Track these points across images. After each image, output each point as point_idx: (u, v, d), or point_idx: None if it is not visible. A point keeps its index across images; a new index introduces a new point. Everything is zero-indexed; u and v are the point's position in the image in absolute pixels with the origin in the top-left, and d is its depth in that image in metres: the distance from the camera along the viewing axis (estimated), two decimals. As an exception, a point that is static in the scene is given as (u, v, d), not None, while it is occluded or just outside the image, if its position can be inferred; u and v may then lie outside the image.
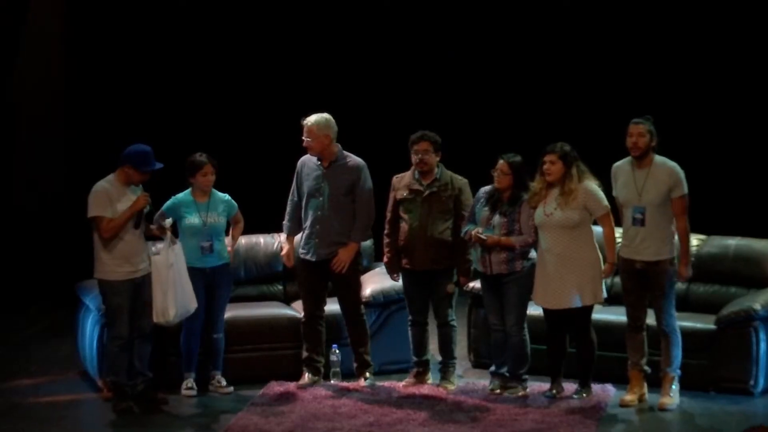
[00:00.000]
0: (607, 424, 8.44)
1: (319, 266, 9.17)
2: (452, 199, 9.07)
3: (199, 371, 9.20)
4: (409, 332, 9.28)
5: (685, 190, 8.64)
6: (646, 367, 8.82)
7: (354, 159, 9.21)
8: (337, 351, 9.39)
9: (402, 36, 13.62)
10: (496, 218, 8.87)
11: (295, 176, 9.32)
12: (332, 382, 9.33)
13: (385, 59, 13.60)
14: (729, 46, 12.88)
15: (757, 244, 9.64)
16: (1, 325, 11.66)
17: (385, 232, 9.24)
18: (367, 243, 9.82)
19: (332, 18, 13.66)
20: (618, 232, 8.89)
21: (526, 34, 13.49)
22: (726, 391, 9.00)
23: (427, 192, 9.06)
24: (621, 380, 8.95)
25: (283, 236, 9.52)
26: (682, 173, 8.66)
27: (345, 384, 9.27)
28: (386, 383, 9.31)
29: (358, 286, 9.32)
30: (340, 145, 9.20)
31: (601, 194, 8.76)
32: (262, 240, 10.20)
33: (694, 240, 9.64)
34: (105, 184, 8.64)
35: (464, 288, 9.43)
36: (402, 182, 9.19)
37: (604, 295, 8.84)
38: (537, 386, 9.06)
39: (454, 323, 9.22)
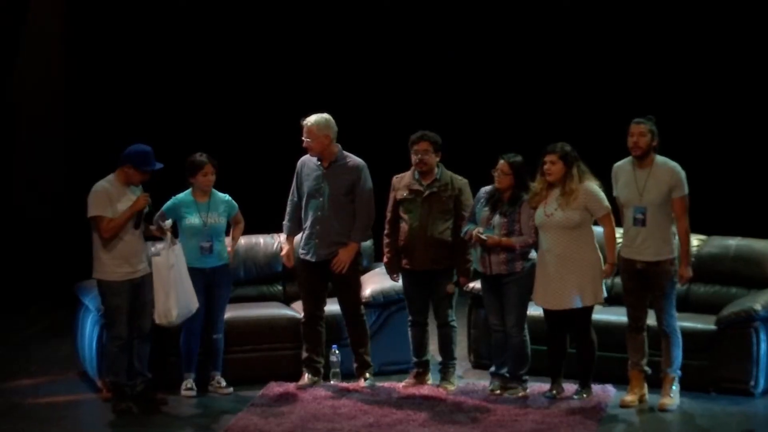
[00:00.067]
0: (608, 425, 8.43)
1: (319, 266, 9.16)
2: (452, 200, 9.06)
3: (198, 372, 9.20)
4: (409, 333, 9.27)
5: (686, 190, 8.64)
6: (647, 368, 8.81)
7: (354, 159, 9.20)
8: (337, 351, 9.38)
9: (402, 36, 13.62)
10: (496, 218, 8.86)
11: (294, 176, 9.32)
12: (332, 382, 9.32)
13: (385, 59, 13.60)
14: (729, 46, 12.88)
15: (758, 244, 9.63)
16: (1, 325, 11.66)
17: (385, 232, 9.23)
18: (367, 243, 9.82)
19: (332, 18, 13.66)
20: (618, 232, 8.88)
21: (526, 34, 13.49)
22: (726, 392, 8.99)
23: (427, 192, 9.05)
24: (621, 381, 8.94)
25: (282, 236, 9.51)
26: (683, 173, 8.65)
27: (345, 384, 9.27)
28: (386, 384, 9.30)
29: (358, 287, 9.32)
30: (340, 146, 9.19)
31: (602, 195, 8.75)
32: (261, 240, 10.19)
33: (695, 240, 9.64)
34: (105, 184, 8.64)
35: (464, 288, 9.42)
36: (402, 182, 9.18)
37: (605, 295, 8.83)
38: (537, 387, 9.05)
39: (454, 324, 9.22)
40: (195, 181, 9.19)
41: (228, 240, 9.37)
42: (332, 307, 9.36)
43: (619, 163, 8.84)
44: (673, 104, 12.48)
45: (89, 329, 9.36)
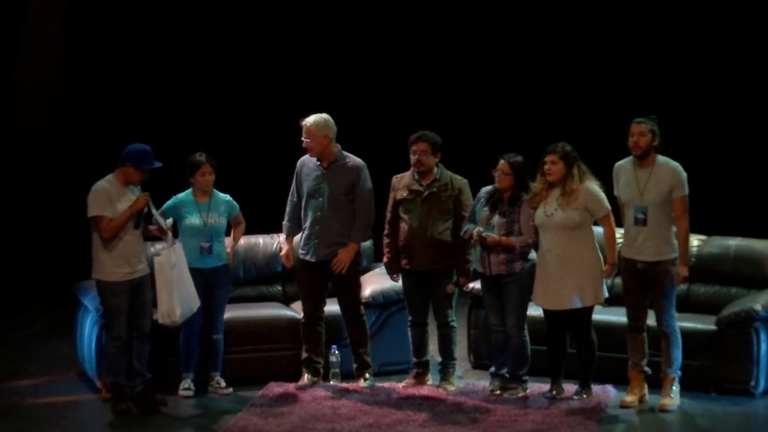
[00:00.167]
0: (608, 425, 8.42)
1: (319, 267, 9.15)
2: (452, 200, 9.05)
3: (198, 372, 9.19)
4: (409, 333, 9.26)
5: (686, 190, 8.63)
6: (647, 368, 8.80)
7: (353, 159, 9.19)
8: (337, 352, 9.38)
9: (402, 36, 13.62)
10: (496, 218, 8.85)
11: (294, 177, 9.31)
12: (332, 383, 9.31)
13: (385, 59, 13.60)
14: (730, 46, 12.88)
15: (758, 244, 9.62)
16: (1, 325, 11.66)
17: (385, 232, 9.22)
18: (367, 243, 9.81)
19: (332, 18, 13.66)
20: (619, 232, 8.88)
21: (527, 34, 13.48)
22: (727, 392, 8.99)
23: (426, 192, 9.04)
24: (621, 381, 8.94)
25: (282, 237, 9.51)
26: (684, 174, 8.64)
27: (344, 385, 9.26)
28: (386, 384, 9.29)
29: (357, 287, 9.31)
30: (339, 146, 9.19)
31: (602, 195, 8.74)
32: (261, 240, 10.19)
33: (695, 240, 9.64)
34: (105, 184, 8.63)
35: (464, 288, 9.41)
36: (402, 182, 9.17)
37: (605, 295, 8.82)
38: (537, 387, 9.04)
39: (454, 324, 9.21)
40: (194, 180, 9.19)
41: (228, 240, 9.36)
42: (332, 307, 9.35)
43: (620, 162, 8.83)
44: (673, 104, 12.48)
45: (88, 329, 9.36)
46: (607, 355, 9.02)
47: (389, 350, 9.57)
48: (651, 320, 8.78)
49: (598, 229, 8.84)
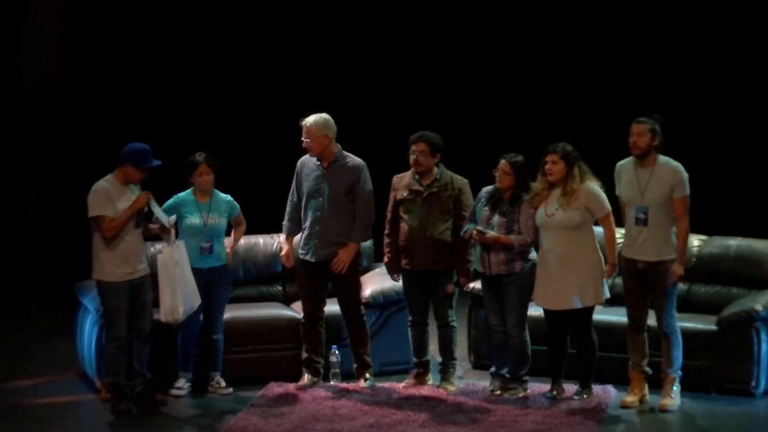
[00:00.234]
0: (608, 426, 8.41)
1: (319, 267, 9.14)
2: (452, 200, 9.04)
3: (196, 372, 9.18)
4: (409, 333, 9.25)
5: (687, 191, 8.62)
6: (647, 368, 8.79)
7: (354, 159, 9.18)
8: (337, 352, 9.37)
9: (402, 36, 13.61)
10: (496, 218, 8.85)
11: (294, 176, 9.30)
12: (332, 383, 9.31)
13: (385, 59, 13.59)
14: (731, 46, 12.87)
15: (759, 244, 9.61)
16: (1, 325, 11.66)
17: (386, 232, 9.22)
18: (367, 243, 9.80)
19: (332, 18, 13.65)
20: (620, 232, 8.87)
21: (527, 34, 13.48)
22: (727, 392, 8.98)
23: (426, 192, 9.03)
24: (622, 381, 8.93)
25: (282, 237, 9.50)
26: (685, 174, 8.63)
27: (345, 385, 9.25)
28: (386, 384, 9.29)
29: (357, 287, 9.30)
30: (339, 146, 9.18)
31: (603, 195, 8.73)
32: (261, 240, 10.18)
33: (696, 240, 9.64)
34: (104, 184, 8.62)
35: (464, 288, 9.40)
36: (402, 182, 9.17)
37: (606, 296, 8.81)
38: (537, 387, 9.03)
39: (454, 324, 9.20)
40: (193, 180, 9.18)
41: (228, 240, 9.35)
42: (332, 307, 9.35)
43: (622, 162, 8.83)
44: (674, 104, 12.46)
45: (88, 330, 9.35)
46: (608, 355, 9.01)
47: (389, 350, 9.57)
48: (651, 320, 8.78)
49: (599, 230, 8.84)
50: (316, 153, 9.13)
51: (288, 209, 9.32)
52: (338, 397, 8.95)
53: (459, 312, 9.45)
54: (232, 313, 9.44)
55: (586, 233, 8.74)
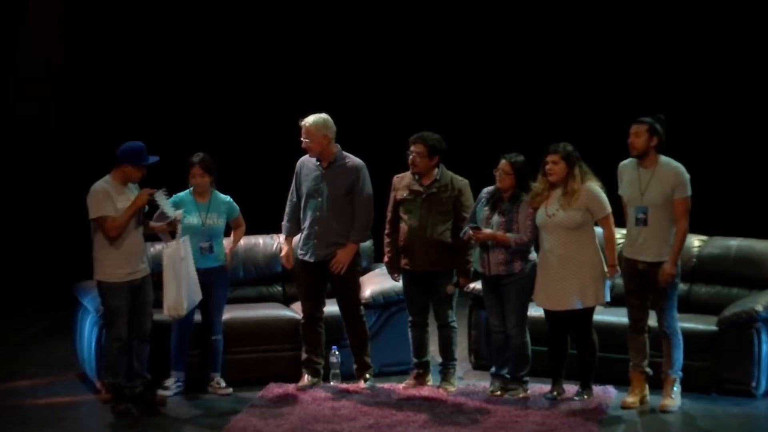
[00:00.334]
0: (609, 426, 8.40)
1: (318, 267, 9.13)
2: (452, 200, 9.03)
3: (195, 372, 9.15)
4: (409, 333, 9.24)
5: (688, 192, 8.60)
6: (648, 369, 8.78)
7: (353, 159, 9.17)
8: (337, 352, 9.36)
9: (402, 36, 13.61)
10: (495, 217, 8.84)
11: (294, 177, 9.29)
12: (332, 383, 9.30)
13: (385, 59, 13.58)
14: (731, 47, 12.87)
15: (759, 244, 9.61)
16: (1, 325, 11.66)
17: (386, 231, 9.21)
18: (367, 244, 9.79)
19: (332, 18, 13.64)
20: (621, 232, 8.86)
21: (527, 34, 13.48)
22: (728, 393, 8.97)
23: (426, 193, 9.02)
24: (622, 382, 8.92)
25: (282, 237, 9.48)
26: (686, 175, 8.62)
27: (345, 386, 9.24)
28: (386, 385, 9.28)
29: (356, 287, 9.29)
30: (339, 146, 9.16)
31: (604, 196, 8.72)
32: (261, 241, 10.17)
33: (696, 241, 9.63)
34: (103, 185, 8.61)
35: (464, 289, 9.39)
36: (402, 182, 9.15)
37: (607, 298, 8.79)
38: (538, 388, 9.02)
39: (454, 324, 9.19)
40: (190, 181, 9.20)
41: (227, 242, 9.33)
42: (332, 308, 9.34)
43: (624, 161, 8.83)
44: (675, 104, 12.43)
45: (88, 330, 9.34)
46: (608, 356, 9.00)
47: (389, 351, 9.56)
48: (652, 321, 8.77)
49: (599, 230, 8.82)
50: (316, 153, 9.12)
51: (287, 210, 9.31)
52: (338, 398, 8.94)
53: (459, 313, 9.44)
54: (231, 313, 9.43)
55: (587, 234, 8.73)
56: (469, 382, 9.43)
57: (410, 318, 9.23)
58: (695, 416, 8.61)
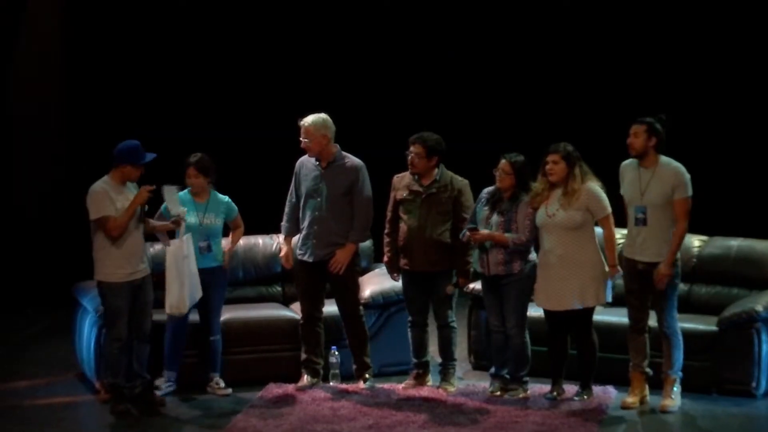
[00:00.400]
0: (609, 426, 8.40)
1: (317, 267, 9.12)
2: (452, 201, 9.02)
3: (195, 372, 9.14)
4: (409, 334, 9.24)
5: (689, 192, 8.59)
6: (648, 369, 8.77)
7: (352, 159, 9.16)
8: (337, 353, 9.35)
9: (402, 36, 13.60)
10: (494, 217, 8.83)
11: (293, 177, 9.28)
12: (331, 384, 9.29)
13: (385, 59, 13.57)
14: (732, 47, 12.86)
15: (760, 245, 9.60)
16: (1, 325, 11.66)
17: (386, 231, 9.20)
18: (366, 244, 9.79)
19: (332, 18, 13.64)
20: (621, 232, 8.86)
21: (527, 34, 13.47)
22: (728, 393, 8.97)
23: (426, 193, 9.01)
24: (622, 382, 8.91)
25: (281, 237, 9.48)
26: (687, 176, 8.61)
27: (344, 386, 9.23)
28: (386, 385, 9.27)
29: (356, 287, 9.28)
30: (338, 146, 9.16)
31: (604, 196, 8.71)
32: (260, 241, 10.16)
33: (696, 241, 9.63)
34: (102, 185, 8.61)
35: (464, 289, 9.38)
36: (402, 182, 9.15)
37: (609, 298, 8.78)
38: (538, 388, 9.02)
39: (454, 325, 9.18)
40: (186, 181, 9.20)
41: (225, 243, 9.32)
42: (331, 308, 9.33)
43: (626, 161, 8.82)
44: (675, 105, 12.41)
45: (87, 330, 9.33)
46: (608, 356, 9.00)
47: (389, 351, 9.55)
48: (652, 321, 8.76)
49: (599, 230, 8.81)
50: (315, 153, 9.11)
51: (287, 210, 9.30)
52: (338, 398, 8.93)
53: (459, 313, 9.43)
54: (231, 313, 9.42)
55: (587, 234, 8.72)
56: (469, 382, 9.42)
57: (410, 318, 9.23)
58: (695, 416, 8.60)
